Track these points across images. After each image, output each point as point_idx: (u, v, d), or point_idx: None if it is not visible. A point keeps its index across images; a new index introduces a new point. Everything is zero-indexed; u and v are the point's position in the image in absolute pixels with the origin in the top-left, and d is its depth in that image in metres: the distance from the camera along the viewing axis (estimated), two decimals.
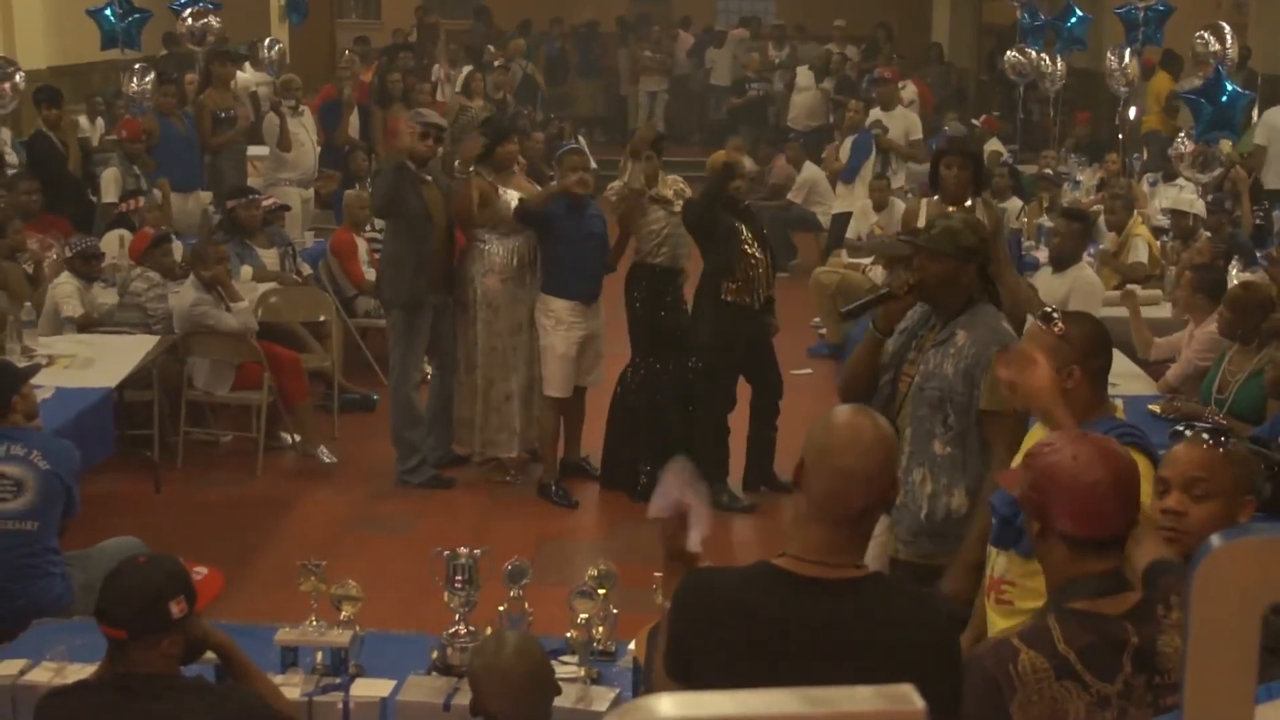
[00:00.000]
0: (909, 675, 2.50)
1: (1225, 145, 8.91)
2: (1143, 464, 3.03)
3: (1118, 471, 2.48)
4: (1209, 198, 9.67)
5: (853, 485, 2.44)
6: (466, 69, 15.36)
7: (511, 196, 7.27)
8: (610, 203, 7.36)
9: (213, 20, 11.47)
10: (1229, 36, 9.69)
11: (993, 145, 13.43)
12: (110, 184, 9.94)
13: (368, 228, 9.44)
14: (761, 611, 2.47)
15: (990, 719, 2.39)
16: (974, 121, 14.27)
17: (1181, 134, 9.20)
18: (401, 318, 7.37)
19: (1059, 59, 12.64)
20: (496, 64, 15.25)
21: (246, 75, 13.40)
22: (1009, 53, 13.85)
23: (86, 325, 7.65)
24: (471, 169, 7.22)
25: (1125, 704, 2.41)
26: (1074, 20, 12.88)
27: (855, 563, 2.50)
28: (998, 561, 3.48)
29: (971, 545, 4.07)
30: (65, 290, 7.71)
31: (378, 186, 7.52)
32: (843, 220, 11.41)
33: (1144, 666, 2.42)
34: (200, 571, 3.49)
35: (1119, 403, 3.82)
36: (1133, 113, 12.38)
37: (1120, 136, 12.19)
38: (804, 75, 16.51)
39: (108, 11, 10.58)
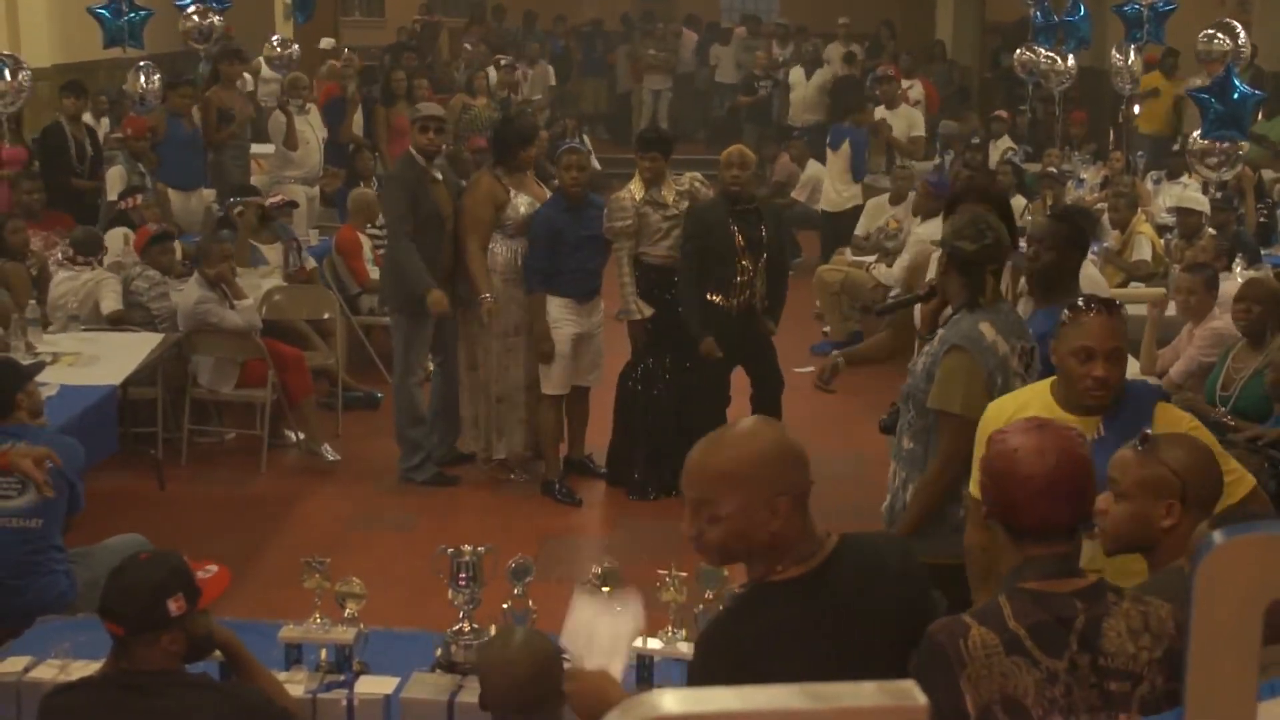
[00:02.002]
0: (921, 593, 2.62)
1: (1243, 145, 8.84)
2: (1189, 420, 3.37)
3: (1054, 469, 2.51)
4: (1217, 195, 9.65)
5: (805, 466, 2.54)
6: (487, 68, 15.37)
7: (522, 201, 7.27)
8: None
9: (216, 19, 11.47)
10: (1241, 34, 9.63)
11: (1005, 143, 13.46)
12: (115, 182, 9.94)
13: (369, 226, 9.46)
14: (809, 627, 2.49)
15: (940, 693, 2.41)
16: (1000, 114, 14.17)
17: (1196, 133, 9.15)
18: (405, 316, 7.38)
19: (1070, 57, 12.62)
20: (503, 63, 15.25)
21: (266, 72, 13.45)
22: (1019, 51, 13.84)
23: (118, 321, 7.65)
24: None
25: (1071, 681, 2.45)
26: (1078, 17, 12.85)
27: (827, 531, 2.58)
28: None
29: (899, 530, 4.17)
30: (112, 285, 7.73)
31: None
32: (831, 214, 11.52)
33: (1088, 646, 2.46)
34: (210, 569, 3.48)
35: None
36: (1136, 110, 12.38)
37: (1125, 134, 12.19)
38: (795, 73, 16.61)
39: (107, 10, 10.58)
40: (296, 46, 13.44)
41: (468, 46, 16.82)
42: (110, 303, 7.66)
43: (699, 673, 2.56)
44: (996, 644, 2.45)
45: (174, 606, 3.22)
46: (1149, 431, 3.03)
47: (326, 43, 16.58)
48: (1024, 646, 2.45)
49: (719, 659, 2.51)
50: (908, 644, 2.54)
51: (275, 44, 13.52)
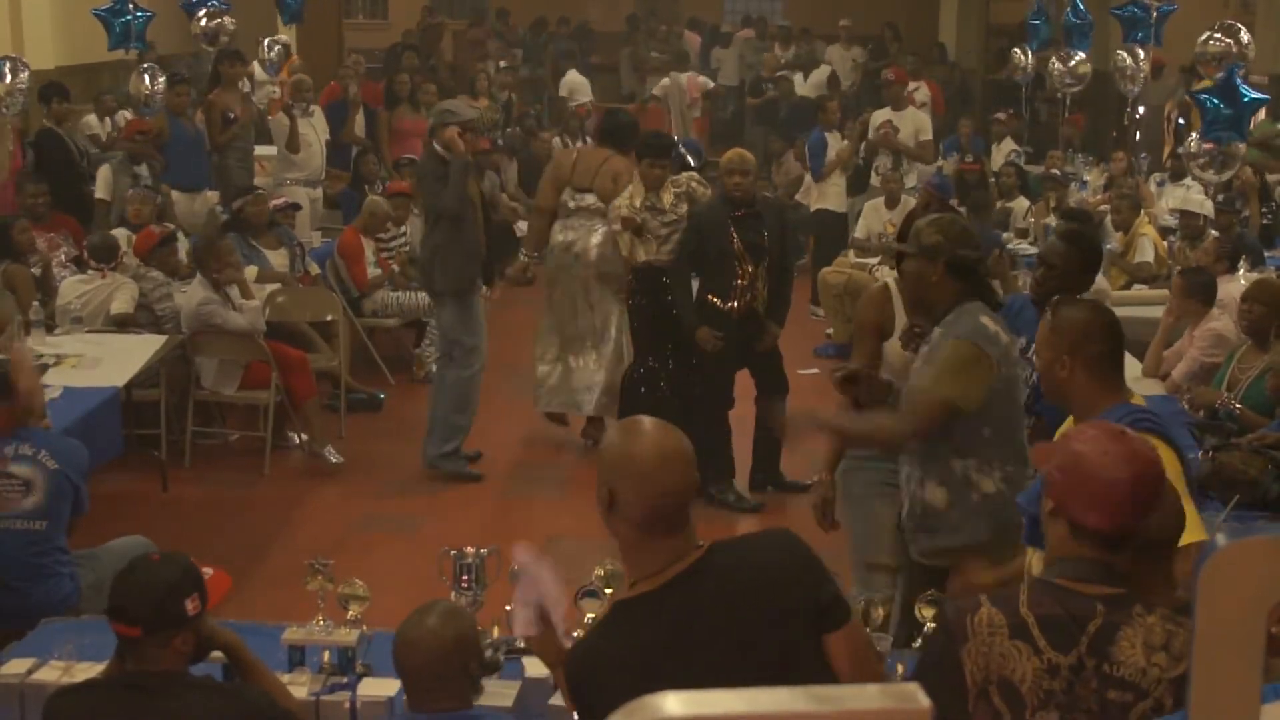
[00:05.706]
0: (809, 585, 2.56)
1: (1240, 147, 8.82)
2: (1165, 453, 3.11)
3: (1140, 475, 2.51)
4: (1219, 197, 9.64)
5: (680, 497, 2.54)
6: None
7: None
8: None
9: (225, 20, 11.46)
10: (1244, 36, 9.59)
11: (1008, 145, 13.46)
12: (104, 182, 9.88)
13: (381, 234, 9.45)
14: (671, 640, 2.49)
15: (939, 664, 2.43)
16: (1006, 114, 14.18)
17: (1194, 135, 9.14)
18: (454, 305, 7.41)
19: (1081, 58, 12.60)
20: (503, 64, 15.25)
21: (261, 75, 13.41)
22: (1014, 51, 13.86)
23: (124, 322, 7.66)
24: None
25: (1074, 679, 2.44)
26: (1084, 21, 12.84)
27: (696, 543, 2.58)
28: (1034, 559, 3.51)
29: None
30: (129, 289, 7.73)
31: (451, 190, 7.19)
32: (825, 216, 11.52)
33: (1098, 650, 2.44)
34: (206, 572, 3.49)
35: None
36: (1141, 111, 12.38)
37: (1128, 136, 12.19)
38: (795, 77, 16.69)
39: (110, 12, 10.58)
40: (279, 49, 13.34)
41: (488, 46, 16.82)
42: (121, 305, 7.67)
43: (566, 695, 2.61)
44: (1003, 624, 2.45)
45: (190, 606, 3.26)
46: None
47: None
48: (1030, 634, 2.45)
49: (577, 682, 2.55)
50: (795, 642, 2.53)
51: (267, 46, 13.48)
